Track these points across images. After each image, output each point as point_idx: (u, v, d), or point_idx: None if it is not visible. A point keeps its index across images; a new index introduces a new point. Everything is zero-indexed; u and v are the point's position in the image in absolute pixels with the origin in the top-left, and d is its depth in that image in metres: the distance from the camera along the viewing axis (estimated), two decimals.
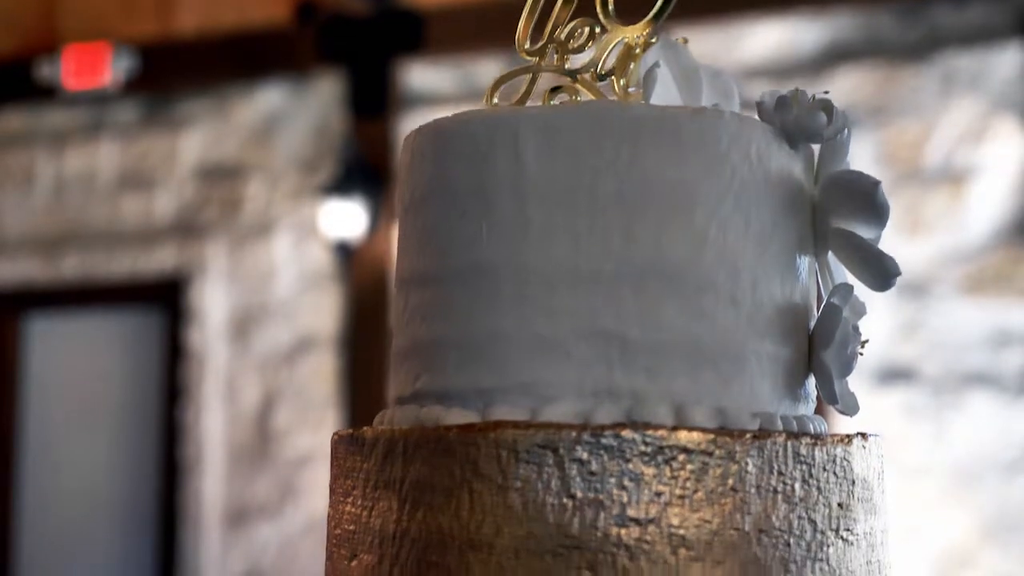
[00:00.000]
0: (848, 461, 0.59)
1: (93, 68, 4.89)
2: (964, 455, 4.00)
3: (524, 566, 0.54)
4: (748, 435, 0.56)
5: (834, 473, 0.58)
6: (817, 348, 0.61)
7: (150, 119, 5.04)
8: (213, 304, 4.86)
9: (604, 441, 0.55)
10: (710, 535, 0.55)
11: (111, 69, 4.85)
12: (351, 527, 0.60)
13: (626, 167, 0.58)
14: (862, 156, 4.02)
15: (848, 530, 0.59)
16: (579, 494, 0.55)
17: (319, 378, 4.67)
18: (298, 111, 4.86)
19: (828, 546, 0.58)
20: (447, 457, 0.56)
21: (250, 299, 4.83)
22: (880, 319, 4.06)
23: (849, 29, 4.15)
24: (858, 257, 0.62)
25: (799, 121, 0.61)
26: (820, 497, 0.58)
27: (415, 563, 0.56)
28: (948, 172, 4.15)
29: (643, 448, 0.55)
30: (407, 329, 0.63)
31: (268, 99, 4.90)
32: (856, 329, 0.62)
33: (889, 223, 0.62)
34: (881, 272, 0.62)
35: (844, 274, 0.65)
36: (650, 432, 0.55)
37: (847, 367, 0.61)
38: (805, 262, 0.63)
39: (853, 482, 0.59)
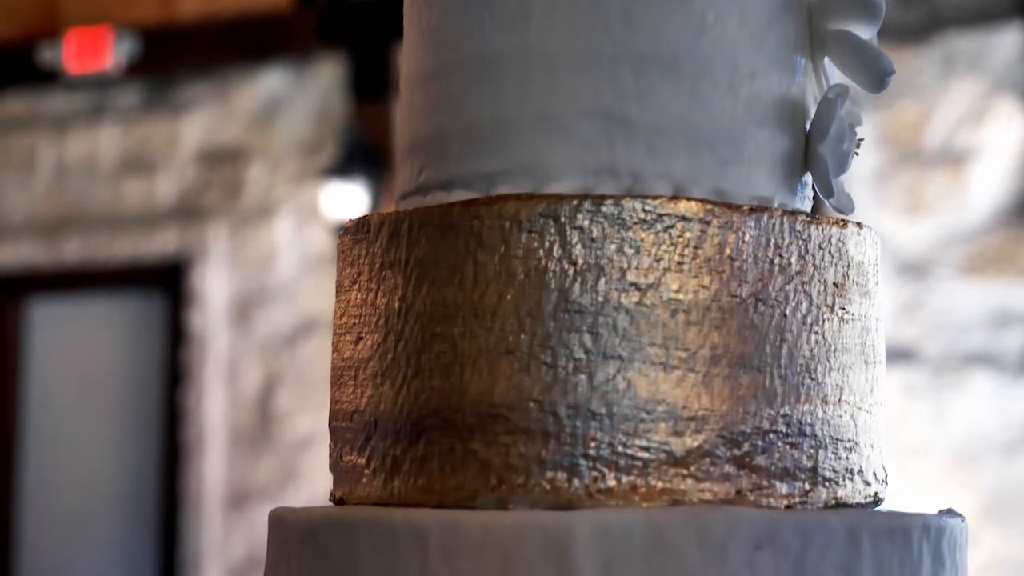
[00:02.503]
0: (843, 243, 0.60)
1: (95, 52, 4.90)
2: (964, 435, 4.00)
3: (527, 331, 0.55)
4: (745, 207, 0.57)
5: (829, 252, 0.60)
6: (813, 141, 0.62)
7: (152, 103, 5.05)
8: (214, 287, 4.86)
9: (605, 209, 0.56)
10: (708, 301, 0.56)
11: (113, 53, 4.86)
12: (356, 312, 0.61)
13: None
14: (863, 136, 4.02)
15: (843, 309, 0.60)
16: (580, 260, 0.56)
17: (320, 361, 4.67)
18: (299, 95, 4.87)
19: (824, 320, 0.59)
20: (451, 232, 0.57)
21: (251, 282, 4.83)
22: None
23: None
24: (854, 56, 0.64)
25: None
26: (816, 273, 0.59)
27: (420, 336, 0.57)
28: (948, 153, 4.15)
29: (642, 216, 0.56)
30: (411, 126, 0.64)
31: (269, 83, 4.90)
32: (852, 128, 0.63)
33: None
34: (876, 71, 0.63)
35: (840, 80, 0.66)
36: (650, 201, 0.56)
37: (843, 163, 0.62)
38: (802, 63, 0.65)
39: (848, 264, 0.61)
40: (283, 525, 0.61)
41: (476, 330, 0.56)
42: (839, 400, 0.59)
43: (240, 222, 4.86)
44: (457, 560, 0.54)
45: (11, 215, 5.12)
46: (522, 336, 0.55)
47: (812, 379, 0.58)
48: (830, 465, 0.59)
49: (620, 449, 0.55)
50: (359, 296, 0.61)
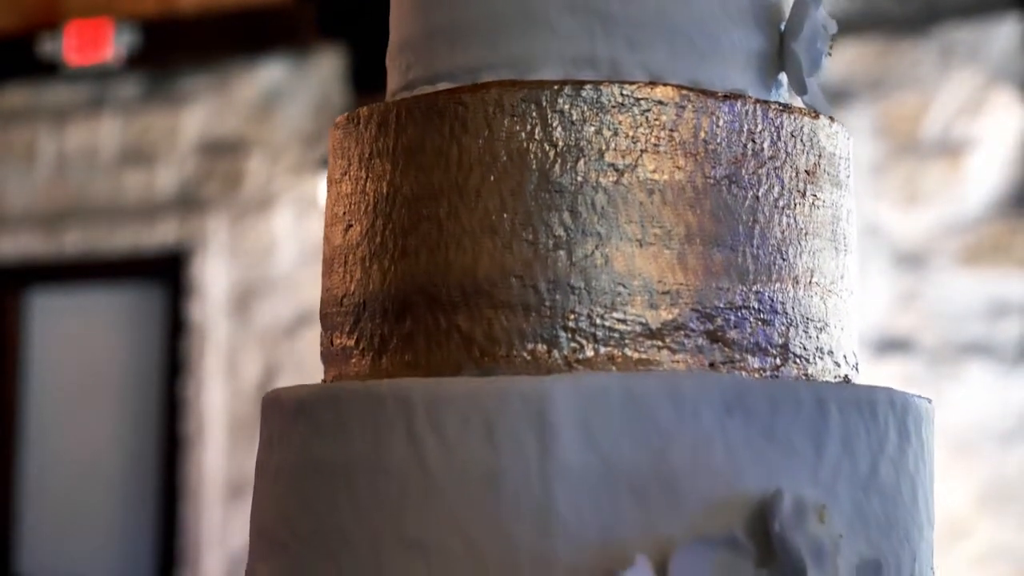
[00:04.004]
0: (815, 133, 0.63)
1: (95, 44, 4.91)
2: (961, 425, 4.00)
3: (509, 210, 0.58)
4: (720, 93, 0.60)
5: (801, 140, 0.62)
6: (788, 39, 0.65)
7: (152, 95, 5.06)
8: (214, 278, 4.87)
9: (584, 93, 0.59)
10: (683, 182, 0.59)
11: (113, 45, 4.87)
12: (346, 202, 0.64)
13: None
14: (860, 128, 4.03)
15: (815, 195, 0.62)
16: (560, 142, 0.58)
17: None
18: (299, 86, 4.88)
19: (795, 205, 0.61)
20: (437, 118, 0.60)
21: (251, 273, 4.84)
22: (878, 290, 4.07)
23: (848, 1, 4.16)
24: None
25: None
26: (788, 159, 0.61)
27: (407, 218, 0.60)
28: (946, 144, 4.16)
29: (620, 100, 0.59)
30: (399, 27, 0.67)
31: (269, 75, 4.92)
32: (826, 29, 0.65)
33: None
34: None
35: None
36: (627, 86, 0.59)
37: (816, 62, 0.65)
38: None
39: (820, 154, 0.63)
40: (276, 404, 0.63)
41: (460, 210, 0.58)
42: (810, 282, 0.62)
43: (240, 213, 4.87)
44: (442, 425, 0.56)
45: (11, 206, 5.13)
46: (504, 215, 0.58)
47: (784, 259, 0.60)
48: (801, 343, 0.61)
49: (598, 321, 0.58)
50: (349, 186, 0.64)
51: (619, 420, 0.54)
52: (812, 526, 0.53)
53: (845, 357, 0.64)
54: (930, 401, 0.64)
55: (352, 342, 0.62)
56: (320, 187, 4.46)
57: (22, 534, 4.96)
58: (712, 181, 0.59)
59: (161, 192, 4.93)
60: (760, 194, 0.60)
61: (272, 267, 4.75)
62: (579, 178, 0.58)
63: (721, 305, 0.59)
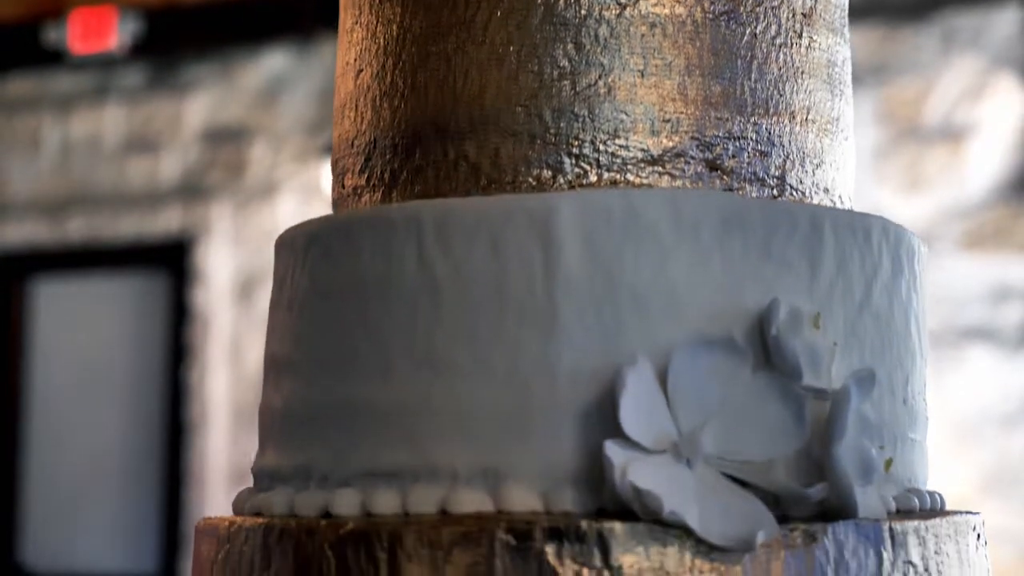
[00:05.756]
0: None
1: (100, 32, 4.93)
2: (963, 409, 4.01)
3: (515, 43, 0.60)
4: None
5: None
6: None
7: (156, 83, 5.08)
8: (218, 266, 4.88)
9: None
10: (683, 16, 0.61)
11: (118, 33, 4.89)
12: (358, 49, 0.66)
13: None
14: (862, 114, 4.04)
15: (811, 38, 0.64)
16: None
17: None
18: (302, 74, 4.90)
19: (792, 44, 0.63)
20: None
21: (255, 261, 4.85)
22: None
23: None
24: None
25: None
26: (785, 0, 0.63)
27: (416, 55, 0.62)
28: (948, 129, 4.17)
29: None
30: None
31: (273, 62, 4.93)
32: None
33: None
34: None
35: None
36: None
37: None
38: None
39: None
40: (288, 242, 0.65)
41: (468, 45, 0.61)
42: (806, 119, 0.64)
43: (243, 201, 4.89)
44: (450, 242, 0.58)
45: (16, 194, 5.15)
46: (511, 47, 0.60)
47: (780, 95, 0.62)
48: (797, 176, 0.63)
49: (601, 147, 0.60)
50: (360, 32, 0.66)
51: (621, 234, 0.56)
52: (807, 332, 0.54)
53: (841, 197, 0.66)
54: (926, 248, 0.66)
55: (363, 181, 0.64)
56: (323, 174, 4.48)
57: (26, 520, 4.97)
58: (711, 16, 0.61)
59: (165, 180, 4.95)
60: (758, 31, 0.62)
61: None
62: (583, 12, 0.60)
63: (720, 134, 0.61)
